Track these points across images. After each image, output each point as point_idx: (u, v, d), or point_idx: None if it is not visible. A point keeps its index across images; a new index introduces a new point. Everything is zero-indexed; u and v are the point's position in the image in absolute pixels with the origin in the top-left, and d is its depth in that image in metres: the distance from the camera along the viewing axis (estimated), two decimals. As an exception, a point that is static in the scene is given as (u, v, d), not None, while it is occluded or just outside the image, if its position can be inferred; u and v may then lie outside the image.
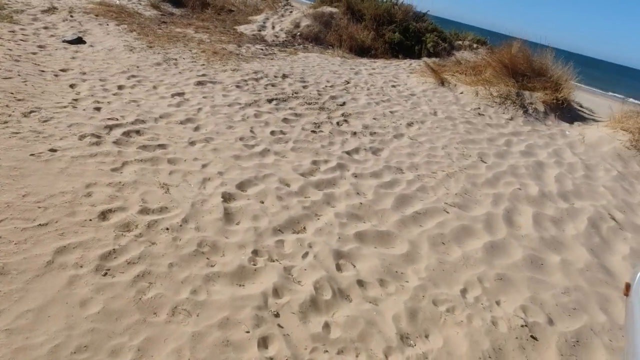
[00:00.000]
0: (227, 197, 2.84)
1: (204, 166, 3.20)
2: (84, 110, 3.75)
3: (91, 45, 6.07)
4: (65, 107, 3.73)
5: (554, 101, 6.35)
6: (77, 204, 2.42)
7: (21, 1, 7.70)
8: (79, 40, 6.10)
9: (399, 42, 9.60)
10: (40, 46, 5.57)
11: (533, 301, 2.50)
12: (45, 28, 6.50)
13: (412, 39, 9.86)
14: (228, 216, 2.65)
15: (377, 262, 2.55)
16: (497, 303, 2.44)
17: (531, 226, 3.33)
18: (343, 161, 3.78)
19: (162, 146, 3.39)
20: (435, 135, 4.78)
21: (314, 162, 3.64)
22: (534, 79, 6.62)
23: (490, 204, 3.56)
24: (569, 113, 6.55)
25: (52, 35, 6.22)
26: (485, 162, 4.31)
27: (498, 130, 5.41)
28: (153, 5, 9.82)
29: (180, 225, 2.44)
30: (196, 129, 3.88)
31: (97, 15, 7.68)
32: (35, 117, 3.38)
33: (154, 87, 4.80)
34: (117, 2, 9.33)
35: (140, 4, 9.81)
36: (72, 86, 4.35)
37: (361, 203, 3.15)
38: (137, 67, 5.43)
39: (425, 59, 9.23)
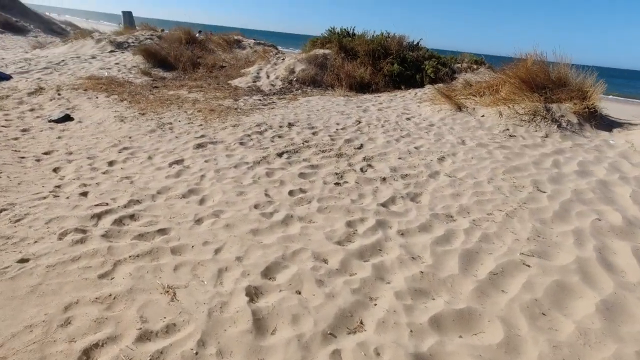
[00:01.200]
0: (253, 294, 2.15)
1: (217, 251, 2.53)
2: (67, 198, 3.16)
3: (79, 121, 5.62)
4: (44, 197, 3.13)
5: (585, 110, 5.77)
6: (50, 341, 1.74)
7: (7, 87, 7.42)
8: (66, 118, 5.67)
9: (399, 73, 9.24)
10: (23, 130, 5.12)
11: None
12: (31, 110, 6.12)
13: (411, 68, 9.52)
14: (259, 323, 1.95)
15: (472, 362, 1.82)
16: (658, 403, 1.68)
17: (638, 268, 2.59)
18: (381, 216, 3.11)
19: (162, 231, 2.74)
20: (475, 168, 4.13)
21: (349, 224, 2.98)
22: (556, 91, 6.09)
23: (574, 245, 2.84)
24: (604, 121, 5.95)
25: (37, 117, 5.81)
26: (544, 192, 3.64)
27: (538, 150, 4.78)
28: (143, 72, 9.61)
29: (197, 353, 1.73)
30: (201, 201, 3.26)
31: (85, 90, 7.35)
32: (6, 216, 2.77)
33: (149, 158, 4.25)
34: (106, 73, 9.11)
35: (130, 72, 9.60)
36: (55, 170, 3.80)
37: (422, 272, 2.45)
38: (130, 137, 4.93)
39: (429, 86, 8.82)
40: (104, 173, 3.80)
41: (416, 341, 1.91)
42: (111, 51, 11.99)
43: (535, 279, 2.45)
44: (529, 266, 2.58)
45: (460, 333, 2.02)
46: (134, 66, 10.19)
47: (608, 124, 5.97)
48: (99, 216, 2.89)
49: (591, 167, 4.34)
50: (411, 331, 1.97)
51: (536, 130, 5.45)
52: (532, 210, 3.30)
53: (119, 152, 4.39)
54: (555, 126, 5.52)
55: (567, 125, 5.58)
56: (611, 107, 8.84)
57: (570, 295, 2.34)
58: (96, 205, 3.06)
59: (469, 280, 2.42)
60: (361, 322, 2.02)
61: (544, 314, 2.18)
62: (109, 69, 9.85)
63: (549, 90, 6.16)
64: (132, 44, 12.57)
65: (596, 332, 2.04)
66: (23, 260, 2.28)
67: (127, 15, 17.86)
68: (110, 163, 4.06)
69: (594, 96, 6.08)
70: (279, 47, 14.50)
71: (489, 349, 1.91)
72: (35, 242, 2.49)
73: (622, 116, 6.90)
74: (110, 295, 2.05)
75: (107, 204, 3.09)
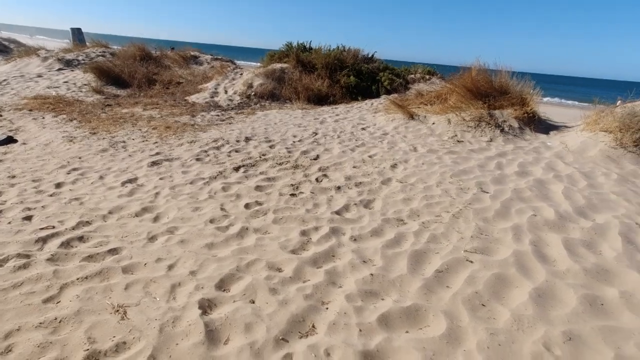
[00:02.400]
0: (206, 306, 2.17)
1: (170, 267, 2.52)
2: (9, 224, 3.02)
3: (24, 143, 5.38)
4: (-17, 224, 2.99)
5: (525, 115, 6.24)
6: (-11, 371, 1.68)
7: (-58, 109, 6.97)
8: (9, 140, 5.40)
9: (356, 84, 9.55)
10: (-39, 154, 4.83)
11: (621, 362, 1.94)
12: (-30, 133, 5.77)
13: (367, 79, 9.86)
14: (212, 335, 1.96)
15: (417, 354, 1.93)
16: (582, 377, 1.86)
17: (567, 257, 2.84)
18: (335, 224, 3.21)
19: (113, 251, 2.69)
20: (425, 173, 4.35)
21: (303, 233, 3.05)
22: (499, 98, 6.54)
23: (513, 239, 3.07)
24: (542, 124, 6.45)
25: (-23, 140, 5.48)
26: (487, 192, 3.89)
27: (483, 154, 5.10)
28: (95, 90, 9.32)
29: (146, 369, 1.73)
30: (155, 219, 3.22)
31: (31, 110, 7.04)
32: (-60, 246, 2.62)
33: (101, 178, 4.14)
34: (54, 92, 8.76)
35: (80, 91, 9.29)
36: (-4, 195, 3.62)
37: (372, 274, 2.56)
38: (79, 158, 4.78)
39: (384, 96, 9.17)
40: (50, 195, 3.66)
41: (365, 339, 2.00)
42: (59, 69, 11.53)
43: (477, 274, 2.62)
44: (471, 262, 2.76)
45: (407, 329, 2.13)
46: (85, 84, 9.86)
47: (546, 127, 6.48)
48: (44, 240, 2.79)
49: (530, 167, 4.69)
50: (360, 330, 2.06)
51: (482, 135, 5.81)
52: (476, 210, 3.52)
53: (68, 174, 4.25)
54: (499, 131, 5.92)
55: (509, 129, 6.00)
56: (553, 110, 9.56)
57: (507, 286, 2.53)
58: (41, 229, 2.95)
59: (417, 279, 2.55)
60: (313, 326, 2.09)
61: (483, 305, 2.34)
62: (57, 87, 9.47)
63: (492, 97, 6.61)
64: (83, 62, 12.16)
65: (529, 317, 2.22)
66: (-41, 290, 2.17)
67: (77, 32, 17.23)
68: (58, 185, 3.92)
69: (532, 102, 6.58)
70: (237, 62, 14.53)
71: (433, 341, 2.03)
72: (-27, 270, 2.37)
73: (560, 119, 7.49)
74: (56, 318, 2.00)
75: (53, 227, 2.99)
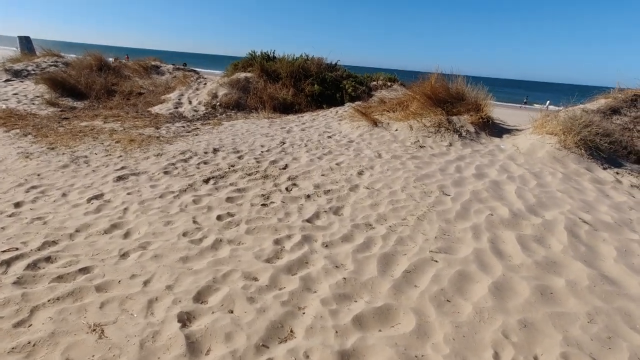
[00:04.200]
0: (185, 319, 2.20)
1: (145, 283, 2.52)
2: (-33, 247, 2.89)
3: (-25, 161, 5.09)
4: (-61, 250, 2.84)
5: (480, 120, 6.65)
6: (-38, 400, 1.64)
7: None
8: (-42, 158, 5.10)
9: (320, 93, 9.74)
10: None
11: (569, 343, 2.17)
12: None
13: (331, 87, 10.09)
14: (193, 346, 2.01)
15: (390, 351, 2.07)
16: (536, 358, 2.08)
17: (520, 252, 3.11)
18: (307, 232, 3.33)
19: (84, 270, 2.66)
20: (390, 179, 4.56)
21: (276, 242, 3.14)
22: (456, 104, 6.94)
23: (472, 238, 3.31)
24: (496, 128, 6.89)
25: None
26: (448, 195, 4.15)
27: (444, 158, 5.41)
28: (49, 103, 8.92)
29: (129, 385, 1.75)
30: (126, 235, 3.19)
31: (-20, 126, 6.65)
32: None
33: (64, 195, 4.02)
34: (4, 106, 8.30)
35: (33, 103, 8.86)
36: (-51, 218, 3.44)
37: (344, 278, 2.69)
38: (38, 175, 4.60)
39: (348, 104, 9.42)
40: (9, 216, 3.52)
41: (341, 340, 2.12)
42: (7, 80, 10.92)
43: (442, 272, 2.82)
44: (436, 261, 2.96)
45: (380, 327, 2.27)
46: (37, 96, 9.42)
47: (499, 131, 6.93)
48: (8, 263, 2.70)
49: (486, 169, 5.03)
50: (336, 332, 2.18)
51: (441, 140, 6.14)
52: (439, 212, 3.76)
53: (27, 192, 4.09)
54: (457, 136, 6.28)
55: (466, 134, 6.38)
56: (503, 112, 10.19)
57: (469, 281, 2.74)
58: (3, 251, 2.85)
59: (387, 280, 2.71)
60: (291, 331, 2.18)
61: (448, 301, 2.53)
62: (6, 100, 8.98)
63: (450, 104, 7.00)
64: (33, 72, 11.58)
65: (489, 309, 2.43)
66: None
67: (25, 40, 16.35)
68: (17, 204, 3.77)
69: (486, 108, 7.02)
70: (199, 70, 14.39)
71: (403, 337, 2.18)
72: None
73: (511, 122, 8.03)
74: (30, 342, 1.97)
75: (16, 249, 2.89)
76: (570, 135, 5.58)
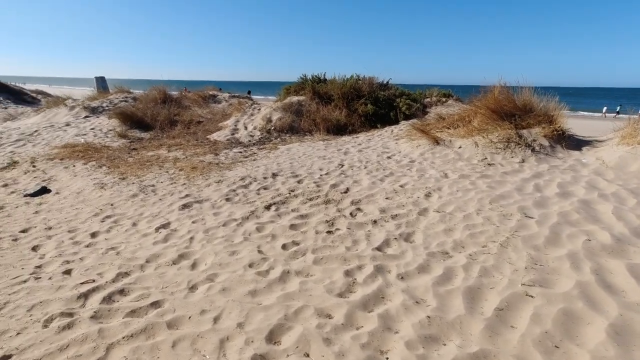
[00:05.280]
0: (259, 363, 2.04)
1: (215, 320, 2.41)
2: (49, 279, 3.00)
3: (57, 193, 5.48)
4: (25, 281, 2.97)
5: (554, 133, 6.07)
6: None
7: (-22, 164, 7.23)
8: (43, 190, 5.52)
9: (374, 112, 9.57)
10: (-2, 208, 4.93)
11: None
12: (5, 186, 5.94)
13: (384, 107, 9.89)
14: (269, 397, 1.83)
15: (496, 410, 1.74)
16: None
17: (636, 286, 2.61)
18: (378, 261, 3.08)
19: (155, 304, 2.61)
20: (461, 200, 4.20)
21: (347, 273, 2.92)
22: (524, 117, 6.40)
23: (571, 268, 2.86)
24: (572, 140, 6.25)
25: (12, 192, 5.63)
26: (532, 217, 3.70)
27: (518, 176, 4.93)
28: (120, 135, 9.60)
29: None
30: (193, 266, 3.15)
31: (62, 159, 7.24)
32: (-16, 308, 2.59)
33: (134, 224, 4.14)
34: (82, 140, 9.04)
35: (107, 136, 9.57)
36: (34, 248, 3.64)
37: (428, 317, 2.40)
38: (111, 204, 4.81)
39: (403, 122, 9.14)
40: (87, 246, 3.65)
41: (436, 395, 1.83)
42: (86, 117, 11.99)
43: (542, 310, 2.43)
44: (532, 297, 2.57)
45: (479, 379, 1.95)
46: (110, 130, 10.18)
47: (577, 143, 6.27)
48: (85, 295, 2.74)
49: (570, 187, 4.48)
50: (429, 384, 1.89)
51: (512, 157, 5.65)
52: (524, 238, 3.34)
53: (102, 222, 4.27)
54: (530, 150, 5.75)
55: (540, 148, 5.82)
56: (574, 123, 9.33)
57: (578, 323, 2.32)
58: (82, 283, 2.91)
59: (477, 319, 2.38)
60: (376, 381, 1.93)
61: (557, 347, 2.14)
62: (85, 134, 9.80)
63: (517, 117, 6.48)
64: (107, 108, 12.64)
65: (612, 359, 2.01)
66: (5, 358, 2.10)
67: (100, 80, 18.10)
68: (93, 234, 3.92)
69: (560, 118, 6.41)
70: (253, 97, 14.92)
71: (511, 393, 1.84)
72: (18, 333, 2.32)
73: (584, 132, 7.28)
74: (106, 385, 1.90)
75: (93, 281, 2.94)
76: (670, 144, 4.86)
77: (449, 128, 7.05)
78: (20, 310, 2.56)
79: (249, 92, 16.56)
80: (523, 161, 5.50)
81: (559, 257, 3.02)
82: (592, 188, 4.42)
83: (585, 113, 33.86)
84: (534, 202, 4.08)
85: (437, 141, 6.46)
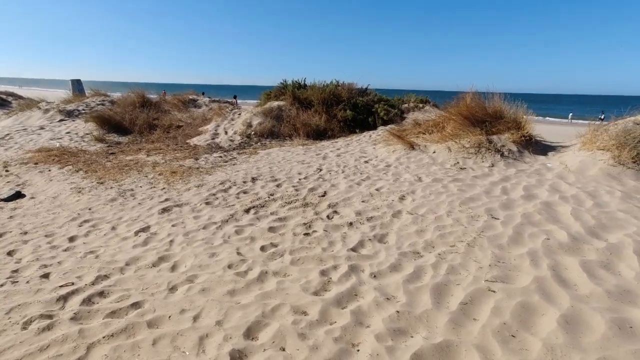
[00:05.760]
0: (237, 357, 2.14)
1: (195, 319, 2.50)
2: (27, 283, 3.01)
3: (32, 197, 5.42)
4: (1, 285, 2.97)
5: (522, 138, 6.40)
6: None
7: (-52, 168, 7.03)
8: (17, 195, 5.44)
9: (352, 118, 9.79)
10: (-30, 213, 4.84)
11: (662, 388, 1.92)
12: (-23, 191, 5.80)
13: (363, 112, 10.12)
14: (246, 388, 1.94)
15: (456, 394, 1.90)
16: (625, 406, 1.84)
17: (587, 280, 2.85)
18: (353, 261, 3.23)
19: (136, 305, 2.68)
20: (434, 203, 4.41)
21: (323, 273, 3.06)
22: (495, 123, 6.72)
23: (530, 265, 3.09)
24: (539, 146, 6.60)
25: (-15, 197, 5.51)
26: (497, 218, 3.94)
27: (487, 179, 5.19)
28: (98, 139, 9.48)
29: None
30: (173, 268, 3.22)
31: (36, 163, 7.12)
32: (-38, 312, 2.59)
33: (113, 228, 4.16)
34: (58, 144, 8.89)
35: (83, 140, 9.43)
36: (10, 253, 3.62)
37: (398, 312, 2.55)
38: (89, 209, 4.81)
39: (381, 127, 9.38)
40: (65, 250, 3.66)
41: (402, 382, 1.98)
42: (61, 120, 11.76)
43: (502, 303, 2.62)
44: (494, 292, 2.76)
45: (442, 367, 2.11)
46: (87, 133, 10.04)
47: (543, 149, 6.62)
48: (65, 298, 2.78)
49: (534, 190, 4.77)
50: (396, 372, 2.04)
51: (483, 161, 5.93)
52: (490, 238, 3.56)
53: (80, 226, 4.26)
54: (499, 155, 6.04)
55: (508, 153, 6.13)
56: (543, 129, 9.78)
57: (534, 314, 2.52)
58: (61, 286, 2.94)
59: (442, 312, 2.55)
60: (347, 371, 2.07)
61: (513, 336, 2.33)
62: (60, 138, 9.62)
63: (488, 123, 6.79)
64: (83, 111, 12.42)
65: (561, 346, 2.21)
66: (-15, 358, 2.14)
67: (76, 83, 17.71)
68: (71, 239, 3.93)
69: (528, 125, 6.76)
70: (238, 101, 14.98)
71: (470, 379, 2.01)
72: (-3, 336, 2.35)
73: (552, 138, 7.67)
74: (87, 382, 1.97)
75: (72, 284, 2.98)
76: (625, 150, 5.23)
77: (424, 133, 7.31)
78: (-1, 314, 2.58)
79: (234, 97, 16.62)
80: (492, 165, 5.78)
81: (520, 255, 3.24)
82: (554, 191, 4.71)
83: (554, 119, 35.29)
84: (500, 204, 4.33)
85: (412, 146, 6.70)
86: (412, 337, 2.35)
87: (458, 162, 5.92)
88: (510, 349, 2.21)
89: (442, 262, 3.19)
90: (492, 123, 6.73)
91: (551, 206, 4.25)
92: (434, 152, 6.43)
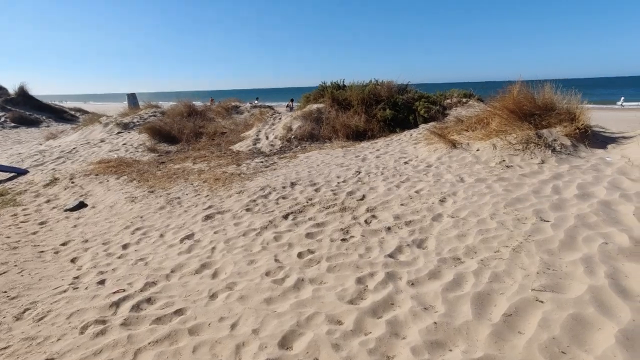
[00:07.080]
0: (271, 367, 2.19)
1: (233, 327, 2.59)
2: (86, 289, 3.28)
3: (93, 207, 5.88)
4: (64, 291, 3.26)
5: (577, 131, 5.92)
6: None
7: (24, 181, 7.83)
8: (81, 205, 5.94)
9: (392, 117, 9.61)
10: (41, 223, 5.36)
11: None
12: (47, 202, 6.42)
13: (403, 111, 9.90)
14: (279, 399, 1.97)
15: (496, 414, 1.80)
16: None
17: (652, 290, 2.58)
18: (390, 268, 3.17)
19: (179, 312, 2.82)
20: (476, 205, 4.21)
21: (359, 280, 3.03)
22: (545, 116, 6.28)
23: (585, 273, 2.84)
24: (597, 138, 6.07)
25: (54, 207, 6.09)
26: (548, 221, 3.68)
27: (537, 178, 4.86)
28: (150, 149, 10.09)
29: None
30: (214, 275, 3.35)
31: (97, 175, 7.73)
32: (29, 316, 2.88)
33: (161, 236, 4.41)
34: (115, 155, 9.59)
35: (137, 151, 10.09)
36: (73, 260, 3.96)
37: (435, 322, 2.47)
38: (141, 217, 5.13)
39: (422, 125, 9.12)
40: (119, 257, 3.94)
41: (438, 399, 1.91)
42: (118, 133, 12.67)
43: (551, 315, 2.45)
44: (542, 302, 2.58)
45: (482, 384, 2.01)
46: (140, 144, 10.72)
47: (602, 141, 6.08)
48: (117, 304, 2.99)
49: (591, 188, 4.39)
50: (431, 388, 1.97)
51: (531, 158, 5.56)
52: (538, 242, 3.33)
53: (132, 234, 4.57)
54: (550, 151, 5.64)
55: (561, 148, 5.70)
56: (602, 117, 8.97)
57: (588, 329, 2.33)
58: (114, 292, 3.17)
59: (484, 325, 2.43)
60: (381, 385, 2.03)
61: (564, 352, 2.16)
62: (117, 150, 10.37)
63: (537, 116, 6.36)
64: (137, 123, 13.29)
65: (619, 365, 2.02)
66: (48, 361, 2.35)
67: (131, 97, 19.03)
68: (125, 246, 4.22)
69: (582, 116, 6.24)
70: (273, 105, 15.31)
71: (512, 398, 1.89)
72: (58, 339, 2.58)
73: (608, 125, 7.03)
74: (134, 386, 2.10)
75: (124, 290, 3.20)
76: (700, 140, 4.66)
77: (467, 130, 7.00)
78: (61, 319, 2.83)
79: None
80: (543, 162, 5.41)
81: (573, 262, 3.00)
82: (614, 188, 4.31)
83: (601, 106, 32.05)
84: (551, 204, 4.04)
85: (454, 144, 6.45)
86: (450, 350, 2.26)
87: (504, 160, 5.60)
88: (560, 367, 2.06)
89: (484, 269, 3.04)
90: (541, 116, 6.29)
91: (610, 206, 3.89)
92: (478, 150, 6.14)
